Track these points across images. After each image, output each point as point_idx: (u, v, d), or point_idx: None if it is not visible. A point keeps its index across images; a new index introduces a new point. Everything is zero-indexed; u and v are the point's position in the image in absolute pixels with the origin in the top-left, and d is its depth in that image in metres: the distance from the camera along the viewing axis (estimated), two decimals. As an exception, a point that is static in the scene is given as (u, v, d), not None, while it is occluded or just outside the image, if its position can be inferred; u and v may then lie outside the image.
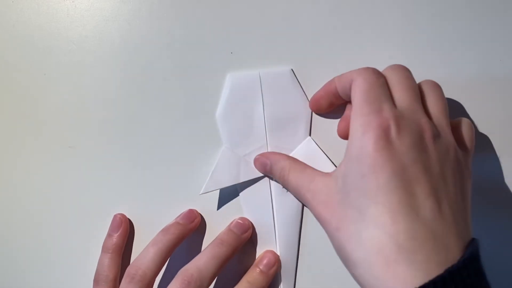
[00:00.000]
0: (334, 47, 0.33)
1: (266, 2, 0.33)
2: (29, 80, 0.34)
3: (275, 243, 0.32)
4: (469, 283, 0.20)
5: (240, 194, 0.32)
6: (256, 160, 0.31)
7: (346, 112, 0.30)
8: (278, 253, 0.32)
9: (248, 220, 0.32)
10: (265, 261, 0.31)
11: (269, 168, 0.30)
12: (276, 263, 0.31)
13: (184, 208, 0.33)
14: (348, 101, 0.29)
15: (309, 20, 0.33)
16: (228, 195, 0.33)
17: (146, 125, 0.34)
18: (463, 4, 0.32)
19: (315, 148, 0.31)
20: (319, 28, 0.33)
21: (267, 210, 0.32)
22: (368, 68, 0.26)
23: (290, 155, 0.31)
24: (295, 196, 0.30)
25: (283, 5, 0.33)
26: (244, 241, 0.31)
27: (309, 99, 0.31)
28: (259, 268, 0.31)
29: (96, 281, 0.31)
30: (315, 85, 0.32)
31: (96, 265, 0.32)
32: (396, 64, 0.27)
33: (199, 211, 0.33)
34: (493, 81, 0.32)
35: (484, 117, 0.32)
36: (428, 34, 0.32)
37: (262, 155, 0.31)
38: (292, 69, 0.30)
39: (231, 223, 0.32)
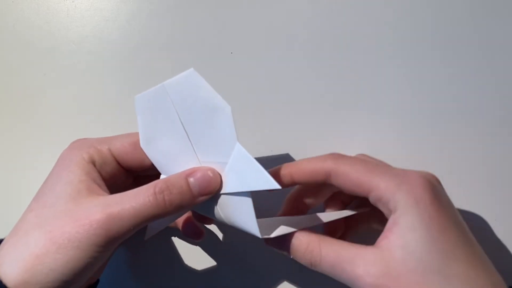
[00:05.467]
0: (334, 45, 0.33)
1: (266, 2, 0.33)
2: (29, 80, 0.34)
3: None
4: None
5: None
6: (268, 240, 0.25)
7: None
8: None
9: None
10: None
11: (288, 245, 0.25)
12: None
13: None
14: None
15: (309, 19, 0.33)
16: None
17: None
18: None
19: (246, 157, 0.23)
20: (319, 27, 0.33)
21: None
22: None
23: (225, 171, 0.24)
24: (331, 274, 0.24)
25: (283, 5, 0.33)
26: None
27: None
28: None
29: None
30: (317, 84, 0.32)
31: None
32: None
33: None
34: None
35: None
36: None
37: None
38: (193, 69, 0.25)
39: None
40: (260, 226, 0.23)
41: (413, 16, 0.32)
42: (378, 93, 0.32)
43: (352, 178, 0.24)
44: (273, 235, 0.24)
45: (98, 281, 0.28)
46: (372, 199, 0.24)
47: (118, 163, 0.27)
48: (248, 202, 0.23)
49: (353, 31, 0.33)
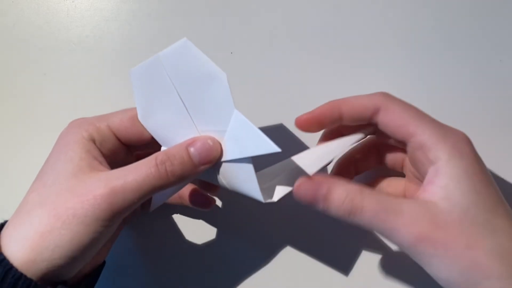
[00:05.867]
0: (335, 44, 0.33)
1: (266, 2, 0.33)
2: (29, 80, 0.34)
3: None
4: None
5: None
6: (299, 187, 0.23)
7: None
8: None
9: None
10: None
11: (324, 194, 0.23)
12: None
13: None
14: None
15: (309, 19, 0.33)
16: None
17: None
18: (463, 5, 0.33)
19: (245, 122, 0.23)
20: (319, 26, 0.33)
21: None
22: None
23: (225, 139, 0.24)
24: (369, 225, 0.23)
25: (283, 5, 0.33)
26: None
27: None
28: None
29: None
30: (317, 84, 0.32)
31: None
32: None
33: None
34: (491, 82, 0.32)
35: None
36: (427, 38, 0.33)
37: (310, 179, 0.23)
38: (186, 38, 0.24)
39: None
40: (262, 189, 0.23)
41: (415, 13, 0.32)
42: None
43: (400, 117, 0.24)
44: (275, 198, 0.24)
45: (104, 262, 0.28)
46: (412, 145, 0.24)
47: (118, 139, 0.27)
48: (249, 168, 0.23)
49: (354, 30, 0.33)
